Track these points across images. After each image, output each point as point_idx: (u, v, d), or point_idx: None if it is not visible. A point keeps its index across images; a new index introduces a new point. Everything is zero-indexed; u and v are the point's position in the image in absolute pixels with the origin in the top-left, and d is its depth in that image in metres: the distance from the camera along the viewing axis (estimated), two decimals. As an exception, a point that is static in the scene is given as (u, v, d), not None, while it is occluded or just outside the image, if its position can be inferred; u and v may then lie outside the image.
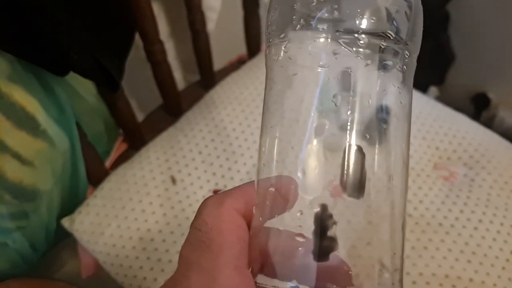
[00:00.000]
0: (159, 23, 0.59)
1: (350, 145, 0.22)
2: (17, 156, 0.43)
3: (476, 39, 0.75)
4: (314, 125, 0.22)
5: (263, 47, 0.73)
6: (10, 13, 0.38)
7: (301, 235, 0.22)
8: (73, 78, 0.49)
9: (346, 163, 0.22)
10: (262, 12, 0.70)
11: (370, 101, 0.23)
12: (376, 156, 0.23)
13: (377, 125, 0.23)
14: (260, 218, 0.23)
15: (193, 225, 0.23)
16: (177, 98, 0.69)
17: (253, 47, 0.74)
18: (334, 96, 0.22)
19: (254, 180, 0.24)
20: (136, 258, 0.53)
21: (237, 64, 0.74)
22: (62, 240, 0.59)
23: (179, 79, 0.73)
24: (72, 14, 0.42)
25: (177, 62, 0.73)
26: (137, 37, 0.56)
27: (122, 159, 0.63)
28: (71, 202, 0.56)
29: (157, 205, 0.56)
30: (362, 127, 0.22)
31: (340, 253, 0.22)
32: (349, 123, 0.22)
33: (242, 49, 0.74)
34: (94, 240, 0.54)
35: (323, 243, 0.22)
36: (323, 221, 0.22)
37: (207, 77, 0.72)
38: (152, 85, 0.65)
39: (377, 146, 0.23)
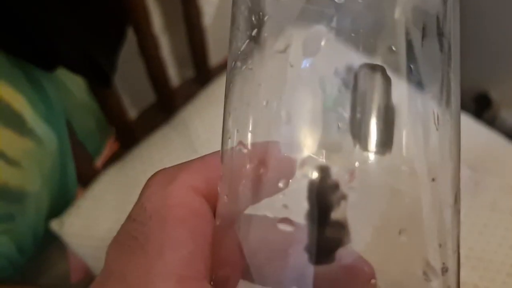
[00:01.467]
0: (153, 17, 0.56)
1: (365, 65, 0.14)
2: (2, 156, 0.40)
3: (478, 39, 0.73)
4: (301, 39, 0.14)
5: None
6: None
7: (286, 220, 0.14)
8: (63, 74, 0.46)
9: (359, 94, 0.13)
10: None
11: None
12: (407, 86, 0.14)
13: (409, 31, 0.14)
14: (226, 198, 0.15)
15: (129, 214, 0.16)
16: (171, 95, 0.66)
17: (250, 43, 0.72)
18: None
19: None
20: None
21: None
22: (51, 242, 0.57)
23: (174, 75, 0.71)
24: (62, 6, 0.40)
25: (172, 57, 0.71)
26: (130, 31, 0.54)
27: (114, 158, 0.61)
28: (60, 203, 0.54)
29: (150, 207, 0.53)
30: (383, 33, 0.14)
31: (356, 247, 0.13)
32: (361, 30, 0.14)
33: (239, 45, 0.72)
34: (84, 244, 0.52)
35: (324, 234, 0.13)
36: (323, 196, 0.13)
37: (203, 73, 0.70)
38: (146, 81, 0.63)
39: (410, 68, 0.14)
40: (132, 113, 0.66)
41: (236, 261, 0.15)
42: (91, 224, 0.53)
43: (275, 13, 0.15)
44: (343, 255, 0.13)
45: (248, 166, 0.14)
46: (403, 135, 0.14)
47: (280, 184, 0.14)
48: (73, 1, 0.41)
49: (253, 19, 0.15)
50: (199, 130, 0.59)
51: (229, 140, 0.15)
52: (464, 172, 0.58)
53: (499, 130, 0.63)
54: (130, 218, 0.15)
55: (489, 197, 0.54)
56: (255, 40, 0.15)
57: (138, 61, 0.60)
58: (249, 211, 0.14)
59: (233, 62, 0.16)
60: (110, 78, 0.46)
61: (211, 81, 0.65)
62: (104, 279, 0.15)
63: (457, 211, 0.15)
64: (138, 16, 0.54)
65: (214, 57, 0.70)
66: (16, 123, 0.41)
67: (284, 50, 0.14)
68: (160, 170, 0.16)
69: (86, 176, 0.57)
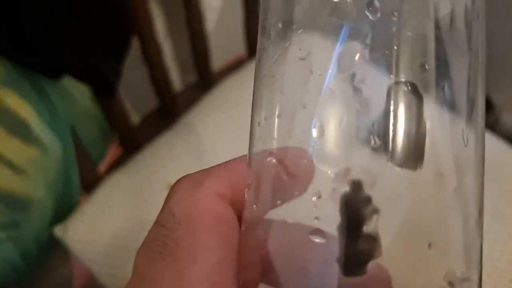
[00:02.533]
0: (156, 22, 0.57)
1: (398, 82, 0.14)
2: (9, 165, 0.41)
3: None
4: (339, 51, 0.14)
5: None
6: (2, 15, 0.36)
7: (318, 231, 0.14)
8: (68, 81, 0.46)
9: (392, 111, 0.14)
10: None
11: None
12: (438, 103, 0.14)
13: (437, 50, 0.14)
14: (255, 206, 0.15)
15: (156, 219, 0.16)
16: (173, 100, 0.67)
17: (252, 48, 0.72)
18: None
19: (246, 155, 0.16)
20: (131, 269, 0.51)
21: (236, 65, 0.72)
22: (54, 248, 0.57)
23: (176, 80, 0.71)
24: (68, 16, 0.40)
25: (175, 63, 0.71)
26: (134, 37, 0.54)
27: (117, 163, 0.61)
28: (64, 209, 0.54)
29: (154, 213, 0.53)
30: (416, 51, 0.14)
31: (384, 261, 0.14)
32: (395, 48, 0.14)
33: (241, 50, 0.72)
34: (87, 250, 0.52)
35: (356, 246, 0.14)
36: (355, 209, 0.14)
37: (205, 79, 0.70)
38: (149, 86, 0.63)
39: (441, 85, 0.14)
40: (135, 118, 0.67)
41: (255, 266, 0.15)
42: (94, 229, 0.53)
43: (308, 26, 0.15)
44: (373, 268, 0.14)
45: (277, 176, 0.15)
46: (433, 151, 0.14)
47: (314, 198, 0.14)
48: (79, 11, 0.41)
49: (286, 31, 0.16)
50: (202, 135, 0.59)
51: (258, 148, 0.16)
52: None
53: (501, 134, 0.63)
54: (158, 223, 0.15)
55: (490, 203, 0.54)
56: (287, 51, 0.15)
57: (140, 66, 0.60)
58: (280, 223, 0.15)
59: (264, 72, 0.16)
60: (115, 87, 0.46)
61: (214, 86, 0.65)
62: (135, 286, 0.15)
63: (480, 224, 0.15)
64: (141, 23, 0.54)
65: (217, 62, 0.70)
66: (23, 131, 0.41)
67: (319, 65, 0.15)
68: (186, 176, 0.16)
69: (90, 182, 0.57)
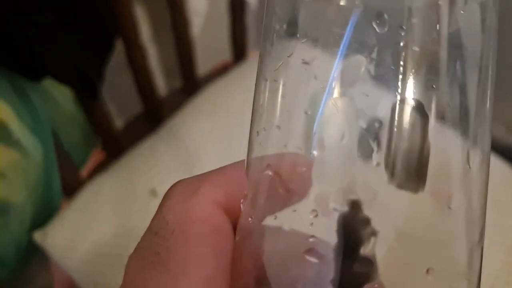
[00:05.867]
0: (142, 27, 0.56)
1: (403, 100, 0.13)
2: (-13, 168, 0.39)
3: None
4: (342, 65, 0.14)
5: (250, 53, 0.71)
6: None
7: (313, 251, 0.13)
8: (50, 84, 0.46)
9: (395, 129, 0.13)
10: (248, 18, 0.68)
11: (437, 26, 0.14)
12: (444, 124, 0.14)
13: (448, 68, 0.14)
14: (250, 219, 0.15)
15: (149, 225, 0.15)
16: (158, 105, 0.66)
17: (238, 53, 0.72)
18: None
19: (243, 160, 0.16)
20: (113, 276, 0.50)
21: (221, 70, 0.72)
22: (34, 254, 0.55)
23: (162, 84, 0.70)
24: (50, 17, 0.39)
25: (160, 67, 0.71)
26: (118, 41, 0.53)
27: (100, 168, 0.60)
28: (44, 214, 0.53)
29: (137, 219, 0.53)
30: (423, 68, 0.13)
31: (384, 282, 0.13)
32: (401, 63, 0.14)
33: (227, 55, 0.72)
34: (68, 256, 0.51)
35: (352, 269, 0.13)
36: (353, 230, 0.13)
37: (190, 83, 0.70)
38: (133, 90, 0.63)
39: (447, 105, 0.14)
40: (119, 122, 0.66)
41: (249, 274, 0.15)
42: (75, 235, 0.52)
43: (312, 36, 0.15)
44: None
45: (274, 189, 0.14)
46: (436, 172, 0.14)
47: (311, 216, 0.14)
48: (61, 12, 0.40)
49: (290, 39, 0.15)
50: (186, 140, 0.59)
51: (256, 157, 0.15)
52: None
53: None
54: (150, 230, 0.15)
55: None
56: (289, 61, 0.15)
57: (125, 70, 0.59)
58: (276, 236, 0.14)
59: (266, 80, 0.16)
60: (97, 90, 0.46)
61: (199, 91, 0.65)
62: None
63: (481, 248, 0.15)
64: (126, 27, 0.53)
65: (202, 67, 0.70)
66: (3, 134, 0.40)
67: (321, 77, 0.14)
68: (181, 181, 0.16)
69: (72, 187, 0.56)
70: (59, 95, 0.51)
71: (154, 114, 0.66)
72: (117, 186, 0.55)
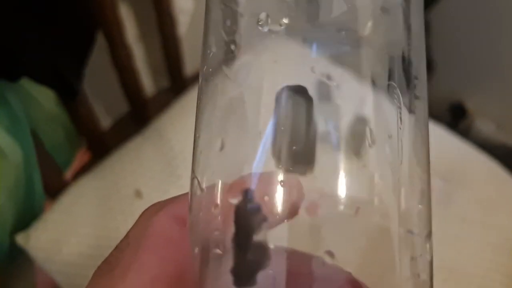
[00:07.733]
0: (127, 26, 0.55)
1: (286, 86, 0.14)
2: (-38, 170, 0.39)
3: (453, 49, 0.74)
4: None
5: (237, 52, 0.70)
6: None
7: (218, 244, 0.14)
8: (29, 83, 0.45)
9: (280, 116, 0.13)
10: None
11: None
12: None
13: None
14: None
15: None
16: (145, 105, 0.65)
17: (226, 53, 0.71)
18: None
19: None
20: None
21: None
22: (16, 257, 0.55)
23: (148, 84, 0.70)
24: (26, 14, 0.38)
25: (146, 67, 0.70)
26: (103, 40, 0.53)
27: (85, 169, 0.59)
28: (26, 216, 0.52)
29: (121, 220, 0.52)
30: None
31: (277, 277, 0.13)
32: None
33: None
34: (51, 259, 0.50)
35: (246, 256, 0.13)
36: (244, 219, 0.13)
37: (177, 83, 0.69)
38: (119, 90, 0.62)
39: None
40: (105, 123, 0.65)
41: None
42: (58, 238, 0.51)
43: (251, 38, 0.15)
44: (262, 277, 0.13)
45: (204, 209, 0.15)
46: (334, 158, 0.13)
47: (215, 211, 0.14)
48: (39, 11, 0.40)
49: (231, 45, 0.15)
50: (172, 141, 0.58)
51: (194, 184, 0.16)
52: (436, 184, 0.58)
53: (474, 140, 0.63)
54: (116, 246, 0.16)
55: (460, 209, 0.54)
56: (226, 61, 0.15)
57: (111, 70, 0.59)
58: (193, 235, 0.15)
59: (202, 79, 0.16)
60: (76, 89, 0.45)
61: (186, 91, 0.64)
62: None
63: (431, 240, 0.14)
64: (110, 26, 0.53)
65: (189, 66, 0.70)
66: (-23, 136, 0.40)
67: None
68: (154, 203, 0.17)
69: (55, 188, 0.55)
70: (40, 95, 0.50)
71: (140, 114, 0.66)
72: (101, 187, 0.54)
